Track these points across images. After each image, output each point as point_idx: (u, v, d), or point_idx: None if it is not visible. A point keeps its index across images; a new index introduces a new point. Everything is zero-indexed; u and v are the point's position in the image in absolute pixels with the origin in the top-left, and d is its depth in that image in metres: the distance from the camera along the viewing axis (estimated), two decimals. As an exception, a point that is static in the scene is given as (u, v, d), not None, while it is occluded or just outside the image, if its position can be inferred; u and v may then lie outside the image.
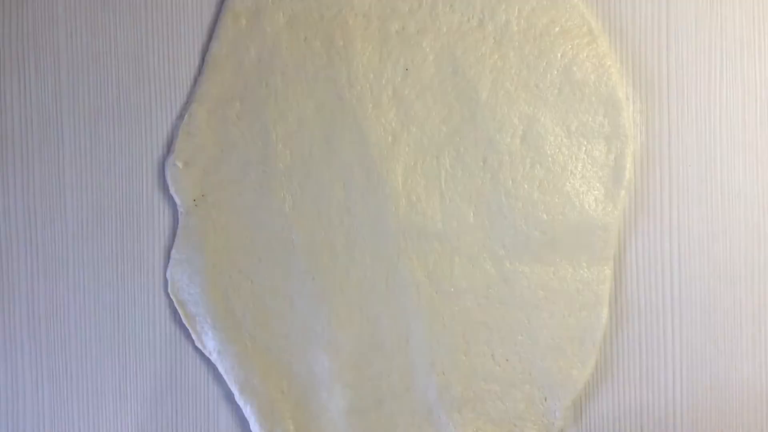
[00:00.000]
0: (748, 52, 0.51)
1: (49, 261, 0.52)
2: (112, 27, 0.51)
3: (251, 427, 0.50)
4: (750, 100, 0.51)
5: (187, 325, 0.50)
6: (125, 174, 0.51)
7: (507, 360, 0.49)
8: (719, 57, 0.51)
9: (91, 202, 0.51)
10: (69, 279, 0.51)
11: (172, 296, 0.50)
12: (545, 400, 0.49)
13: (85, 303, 0.51)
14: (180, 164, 0.50)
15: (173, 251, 0.50)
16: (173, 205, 0.51)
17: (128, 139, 0.51)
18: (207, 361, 0.51)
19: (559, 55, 0.49)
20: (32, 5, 0.51)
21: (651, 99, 0.50)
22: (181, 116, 0.51)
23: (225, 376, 0.50)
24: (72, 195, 0.51)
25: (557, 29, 0.49)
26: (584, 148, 0.49)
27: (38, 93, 0.51)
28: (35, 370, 0.52)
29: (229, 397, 0.50)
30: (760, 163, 0.51)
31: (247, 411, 0.50)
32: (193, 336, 0.50)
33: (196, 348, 0.51)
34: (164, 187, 0.51)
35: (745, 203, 0.51)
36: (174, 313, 0.51)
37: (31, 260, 0.52)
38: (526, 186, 0.49)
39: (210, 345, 0.50)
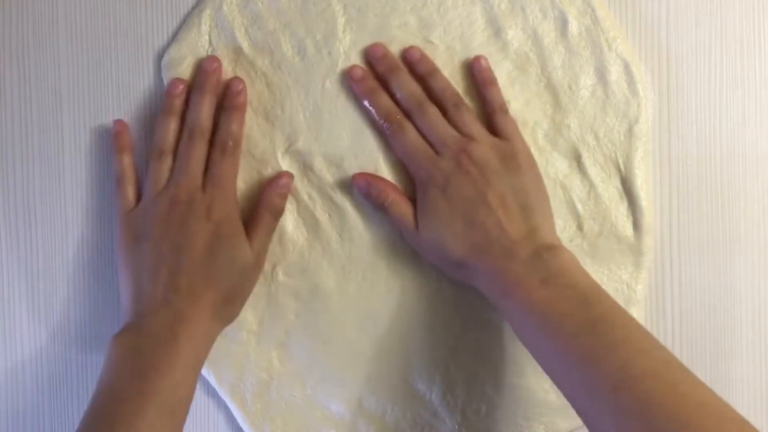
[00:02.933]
0: (748, 52, 0.51)
1: (49, 261, 0.52)
2: (112, 26, 0.51)
3: (243, 427, 0.50)
4: (750, 100, 0.51)
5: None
6: (125, 174, 0.51)
7: (513, 358, 0.49)
8: (719, 57, 0.51)
9: (90, 201, 0.51)
10: (69, 279, 0.51)
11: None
12: (554, 398, 0.49)
13: (85, 302, 0.52)
14: None
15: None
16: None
17: (128, 139, 0.51)
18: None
19: (586, 56, 0.49)
20: (32, 5, 0.51)
21: (651, 99, 0.50)
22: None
23: (217, 379, 0.50)
24: (72, 195, 0.51)
25: (580, 30, 0.49)
26: (611, 152, 0.49)
27: (38, 93, 0.51)
28: (35, 370, 0.52)
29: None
30: (760, 163, 0.51)
31: (240, 413, 0.50)
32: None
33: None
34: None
35: (745, 203, 0.50)
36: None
37: (31, 260, 0.52)
38: (550, 184, 0.49)
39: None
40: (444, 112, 0.47)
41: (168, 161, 0.47)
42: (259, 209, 0.47)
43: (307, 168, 0.49)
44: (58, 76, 0.51)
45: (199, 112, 0.47)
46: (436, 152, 0.46)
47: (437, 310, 0.49)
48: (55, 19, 0.51)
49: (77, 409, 0.52)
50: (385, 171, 0.49)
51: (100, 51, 0.51)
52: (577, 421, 0.49)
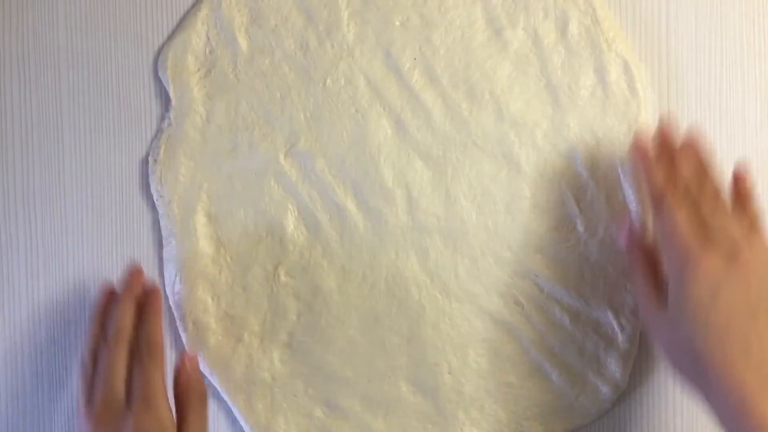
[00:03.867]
0: (748, 52, 0.51)
1: (49, 261, 0.52)
2: (112, 27, 0.51)
3: (244, 428, 0.50)
4: (750, 100, 0.51)
5: (178, 324, 0.50)
6: (125, 174, 0.51)
7: (514, 358, 0.49)
8: (719, 57, 0.51)
9: (90, 201, 0.51)
10: (68, 279, 0.51)
11: (168, 294, 0.50)
12: (554, 398, 0.49)
13: (85, 303, 0.51)
14: (151, 161, 0.50)
15: (164, 251, 0.50)
16: (173, 205, 0.51)
17: (129, 139, 0.51)
18: (207, 361, 0.51)
19: (585, 56, 0.49)
20: (32, 5, 0.51)
21: (650, 99, 0.50)
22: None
23: (218, 381, 0.50)
24: (72, 195, 0.51)
25: (580, 31, 0.49)
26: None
27: (38, 93, 0.51)
28: (35, 370, 0.52)
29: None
30: (760, 163, 0.51)
31: (242, 414, 0.50)
32: (182, 337, 0.50)
33: (195, 348, 0.51)
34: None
35: (745, 203, 0.50)
36: (173, 312, 0.51)
37: (31, 260, 0.52)
38: (548, 184, 0.49)
39: (201, 347, 0.50)
40: (732, 200, 0.43)
41: (89, 372, 0.45)
42: (186, 397, 0.44)
43: (308, 168, 0.49)
44: (58, 76, 0.51)
45: (117, 319, 0.45)
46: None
47: (437, 310, 0.49)
48: (55, 19, 0.51)
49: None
50: (385, 171, 0.49)
51: (100, 51, 0.51)
52: (578, 421, 0.49)
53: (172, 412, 0.43)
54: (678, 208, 0.41)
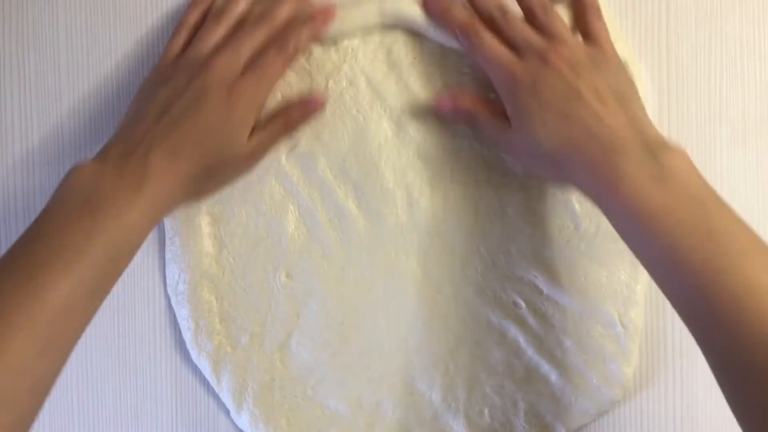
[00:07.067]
0: (748, 52, 0.51)
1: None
2: (112, 26, 0.51)
3: (245, 429, 0.50)
4: (750, 100, 0.51)
5: (180, 325, 0.50)
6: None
7: (511, 359, 0.49)
8: (719, 57, 0.51)
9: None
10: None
11: (170, 294, 0.50)
12: (554, 399, 0.49)
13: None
14: None
15: (166, 250, 0.50)
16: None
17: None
18: (207, 361, 0.51)
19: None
20: (32, 5, 0.51)
21: (650, 99, 0.50)
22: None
23: (217, 382, 0.50)
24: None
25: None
26: None
27: (38, 93, 0.51)
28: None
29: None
30: (760, 163, 0.51)
31: (243, 415, 0.50)
32: (185, 337, 0.50)
33: (196, 348, 0.51)
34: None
35: (746, 203, 0.51)
36: (173, 312, 0.51)
37: (31, 260, 0.52)
38: (548, 184, 0.49)
39: (204, 347, 0.50)
40: (530, 19, 0.45)
41: (225, 27, 0.46)
42: (277, 114, 0.47)
43: (308, 169, 0.49)
44: (58, 76, 0.51)
45: (279, 6, 0.46)
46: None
47: (436, 311, 0.49)
48: (55, 19, 0.51)
49: (77, 410, 0.52)
50: (386, 171, 0.49)
51: (100, 51, 0.51)
52: (577, 422, 0.49)
53: (266, 99, 0.46)
54: (483, 36, 0.44)
